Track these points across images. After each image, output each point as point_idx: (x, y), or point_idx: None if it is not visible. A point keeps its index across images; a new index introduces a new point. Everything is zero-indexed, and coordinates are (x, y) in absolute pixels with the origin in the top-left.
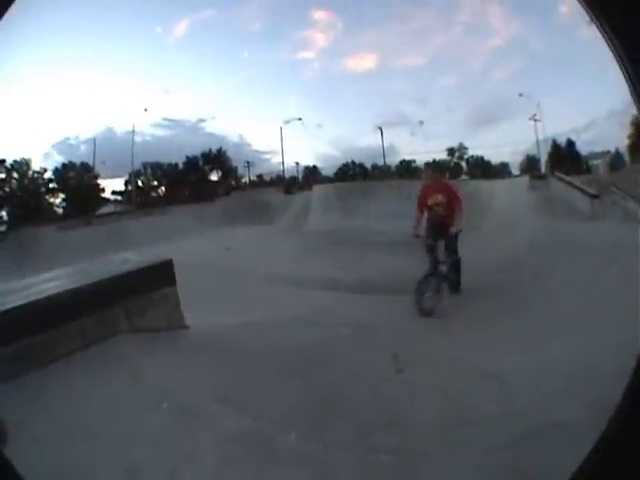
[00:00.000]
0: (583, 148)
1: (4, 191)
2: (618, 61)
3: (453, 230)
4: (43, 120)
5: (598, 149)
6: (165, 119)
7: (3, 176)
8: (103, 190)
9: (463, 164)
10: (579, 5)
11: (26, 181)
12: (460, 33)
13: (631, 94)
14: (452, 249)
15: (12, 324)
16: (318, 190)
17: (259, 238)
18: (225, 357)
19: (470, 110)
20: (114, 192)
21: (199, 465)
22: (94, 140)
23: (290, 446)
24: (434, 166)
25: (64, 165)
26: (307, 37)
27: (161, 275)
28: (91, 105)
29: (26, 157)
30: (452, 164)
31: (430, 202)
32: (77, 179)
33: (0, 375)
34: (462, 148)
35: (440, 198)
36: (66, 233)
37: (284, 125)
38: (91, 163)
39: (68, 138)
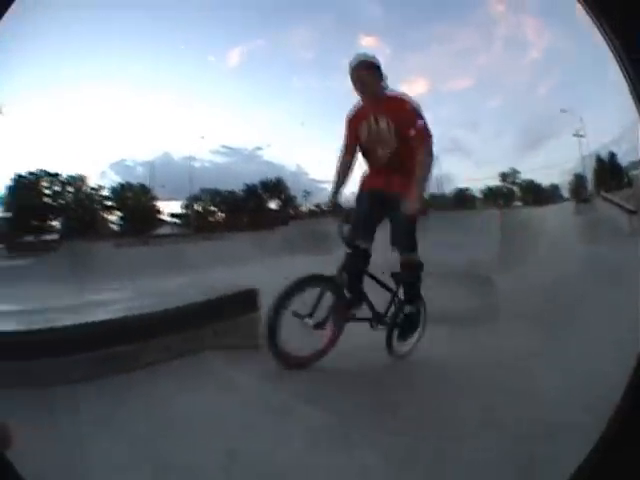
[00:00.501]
0: (623, 159)
1: (58, 203)
2: (618, 61)
3: (408, 206)
4: (101, 139)
5: (635, 158)
6: (223, 146)
7: (58, 189)
8: (160, 212)
9: (516, 189)
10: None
11: (81, 196)
12: (500, 49)
13: (631, 94)
14: (409, 263)
15: (101, 333)
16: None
17: (317, 268)
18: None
19: (517, 131)
20: (173, 215)
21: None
22: (152, 163)
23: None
24: (367, 64)
25: (122, 185)
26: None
27: (247, 301)
28: (149, 129)
29: (82, 173)
30: (505, 190)
31: (364, 137)
32: (135, 199)
33: (84, 375)
34: (514, 172)
35: (385, 129)
36: (122, 250)
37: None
38: (148, 185)
39: (125, 160)
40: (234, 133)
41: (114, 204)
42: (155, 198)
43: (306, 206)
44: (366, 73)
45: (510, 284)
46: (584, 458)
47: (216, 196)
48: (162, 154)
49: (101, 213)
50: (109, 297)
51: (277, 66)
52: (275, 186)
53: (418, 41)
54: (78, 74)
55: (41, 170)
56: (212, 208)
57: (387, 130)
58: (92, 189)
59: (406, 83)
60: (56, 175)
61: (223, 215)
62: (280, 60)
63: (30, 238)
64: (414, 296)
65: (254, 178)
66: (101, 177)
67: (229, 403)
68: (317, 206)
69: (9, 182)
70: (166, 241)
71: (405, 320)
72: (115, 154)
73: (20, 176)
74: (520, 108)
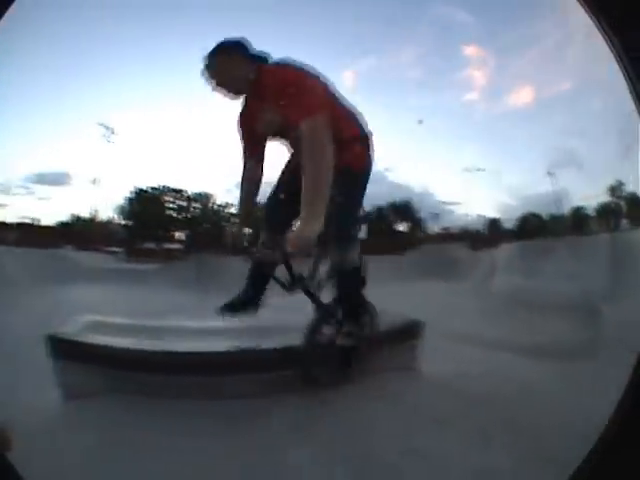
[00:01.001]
0: None
1: (183, 216)
2: (617, 60)
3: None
4: (226, 158)
5: None
6: None
7: (183, 204)
8: None
9: (622, 204)
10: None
11: (208, 211)
12: (594, 45)
13: (630, 93)
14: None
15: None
16: (503, 250)
17: (445, 294)
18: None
19: (619, 136)
20: None
21: None
22: None
23: None
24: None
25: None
26: (467, 77)
27: (412, 331)
28: (275, 150)
29: (208, 191)
30: (613, 205)
31: (261, 126)
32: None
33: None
34: (620, 185)
35: (272, 113)
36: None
37: (464, 173)
38: None
39: None
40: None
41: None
42: None
43: (433, 229)
44: (217, 61)
45: (620, 315)
46: (584, 458)
47: None
48: None
49: (227, 230)
50: None
51: (390, 85)
52: (404, 208)
53: (515, 44)
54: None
55: (164, 186)
56: None
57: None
58: (219, 205)
59: (514, 93)
60: (180, 191)
61: None
62: (392, 79)
63: (151, 245)
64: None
65: (381, 199)
66: (226, 193)
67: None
68: (445, 229)
69: (129, 194)
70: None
71: None
72: (239, 172)
73: (141, 190)
74: (618, 109)
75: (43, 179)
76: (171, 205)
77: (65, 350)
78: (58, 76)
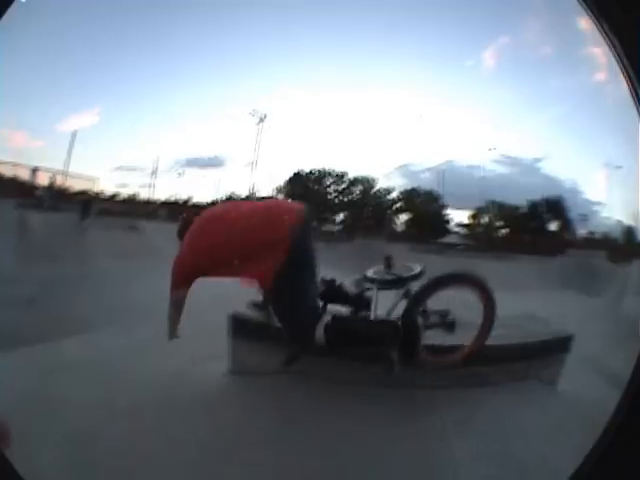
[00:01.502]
0: None
1: (342, 200)
2: (618, 61)
3: None
4: (386, 143)
5: None
6: (504, 156)
7: (344, 186)
8: (448, 221)
9: None
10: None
11: (369, 196)
12: None
13: (631, 94)
14: None
15: None
16: (636, 265)
17: (581, 309)
18: None
19: None
20: (459, 225)
21: None
22: (437, 169)
23: None
24: None
25: (412, 189)
26: (590, 54)
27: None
28: (433, 135)
29: (370, 175)
30: None
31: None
32: (424, 205)
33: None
34: None
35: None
36: (417, 255)
37: (604, 169)
38: (434, 191)
39: (410, 164)
40: (513, 143)
41: (404, 207)
42: (444, 206)
43: (580, 232)
44: None
45: None
46: (584, 457)
47: (502, 210)
48: (445, 161)
49: (390, 214)
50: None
51: (528, 66)
52: (556, 205)
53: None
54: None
55: (325, 169)
56: (498, 223)
57: None
58: (381, 190)
59: None
60: (341, 175)
61: (507, 231)
62: (528, 59)
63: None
64: None
65: (534, 193)
66: (386, 179)
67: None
68: (591, 233)
69: (289, 176)
70: (455, 253)
71: None
72: (400, 158)
73: (301, 172)
74: None
75: (195, 162)
76: (332, 188)
77: (245, 329)
78: (206, 60)
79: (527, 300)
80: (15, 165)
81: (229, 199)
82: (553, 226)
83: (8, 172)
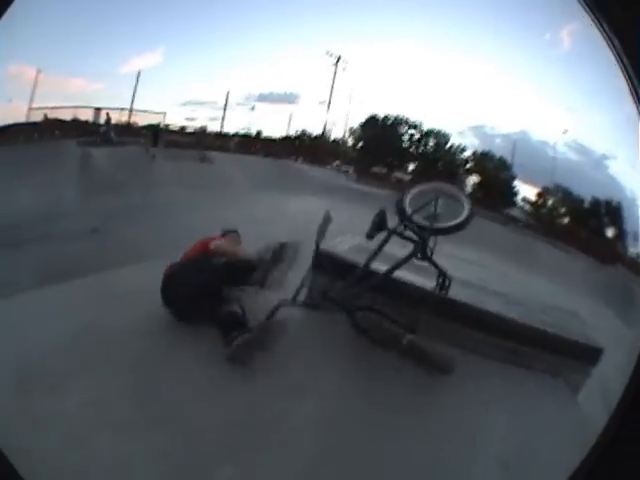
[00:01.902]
0: None
1: (415, 150)
2: (617, 61)
3: None
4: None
5: None
6: (576, 142)
7: (417, 136)
8: (515, 193)
9: None
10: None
11: (442, 150)
12: None
13: (631, 93)
14: None
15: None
16: None
17: (612, 331)
18: None
19: None
20: (525, 200)
21: None
22: (513, 139)
23: None
24: None
25: (484, 153)
26: None
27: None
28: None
29: (445, 130)
30: None
31: None
32: (495, 171)
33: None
34: None
35: None
36: (482, 222)
37: None
38: (506, 159)
39: (484, 126)
40: (585, 129)
41: (475, 168)
42: (514, 177)
43: (631, 250)
44: None
45: None
46: (584, 457)
47: (567, 197)
48: (520, 131)
49: (462, 173)
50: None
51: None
52: (615, 211)
53: None
54: None
55: (400, 116)
56: (562, 209)
57: None
58: (454, 147)
59: None
60: (415, 125)
61: (568, 220)
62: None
63: (381, 170)
64: None
65: (598, 190)
66: (459, 137)
67: None
68: (638, 256)
69: (363, 119)
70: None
71: None
72: (474, 118)
73: (376, 116)
74: None
75: (267, 98)
76: (406, 136)
77: (330, 266)
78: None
79: (570, 297)
80: (76, 108)
81: (302, 135)
82: (609, 232)
83: (68, 115)
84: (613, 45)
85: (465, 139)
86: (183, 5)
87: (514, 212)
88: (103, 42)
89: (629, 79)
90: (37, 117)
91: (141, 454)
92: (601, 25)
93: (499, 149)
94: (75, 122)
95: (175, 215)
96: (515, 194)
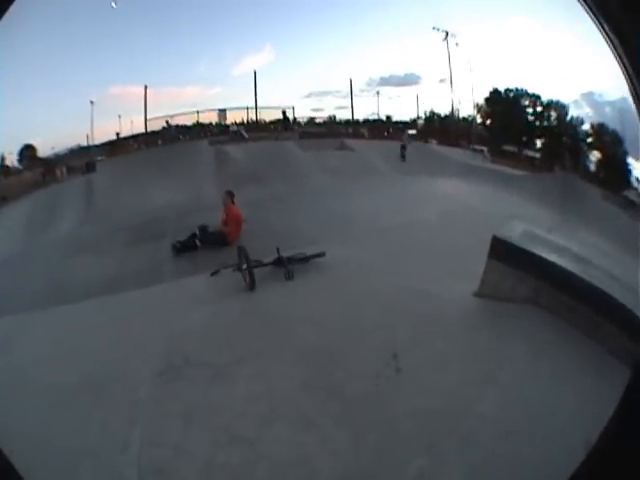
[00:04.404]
0: None
1: (540, 124)
2: (618, 61)
3: None
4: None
5: None
6: None
7: (539, 109)
8: (631, 171)
9: None
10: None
11: (564, 124)
12: None
13: (630, 92)
14: None
15: None
16: None
17: None
18: None
19: None
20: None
21: None
22: (619, 108)
23: None
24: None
25: (601, 125)
26: None
27: None
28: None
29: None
30: None
31: None
32: (613, 146)
33: None
34: None
35: None
36: (605, 205)
37: None
38: (619, 131)
39: (594, 93)
40: None
41: (595, 143)
42: (626, 152)
43: None
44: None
45: None
46: (584, 457)
47: None
48: (620, 97)
49: (585, 149)
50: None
51: None
52: None
53: None
54: None
55: (520, 89)
56: None
57: None
58: (574, 119)
59: None
60: (535, 97)
61: None
62: None
63: (512, 149)
64: None
65: None
66: (575, 106)
67: None
68: None
69: (486, 95)
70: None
71: None
72: (587, 84)
73: (497, 91)
74: None
75: (389, 81)
76: (529, 110)
77: (503, 252)
78: None
79: None
80: (197, 112)
81: (432, 115)
82: None
83: (188, 120)
84: (614, 46)
85: (581, 109)
86: (282, 3)
87: (629, 193)
88: (208, 50)
89: (629, 79)
90: (155, 126)
91: None
92: (602, 26)
93: (609, 119)
94: (199, 125)
95: (330, 201)
96: (631, 171)
